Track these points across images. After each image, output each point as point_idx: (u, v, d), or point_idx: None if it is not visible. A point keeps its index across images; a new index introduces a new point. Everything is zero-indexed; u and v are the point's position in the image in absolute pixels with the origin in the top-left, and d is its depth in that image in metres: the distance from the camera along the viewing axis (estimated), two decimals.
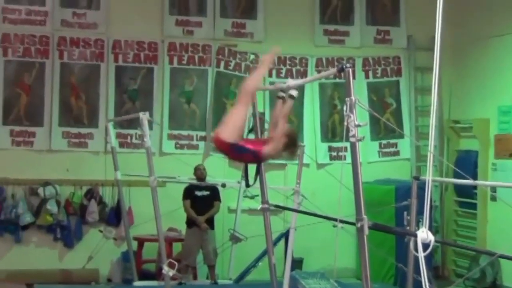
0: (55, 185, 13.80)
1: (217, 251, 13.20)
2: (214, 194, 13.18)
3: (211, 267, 13.21)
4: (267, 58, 8.12)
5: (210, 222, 13.18)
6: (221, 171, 13.87)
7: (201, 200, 13.10)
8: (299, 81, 8.65)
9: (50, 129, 14.02)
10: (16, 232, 13.76)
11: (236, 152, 7.54)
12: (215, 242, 13.23)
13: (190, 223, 13.11)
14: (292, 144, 7.55)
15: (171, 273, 10.00)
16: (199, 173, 13.24)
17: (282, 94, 7.87)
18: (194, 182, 13.11)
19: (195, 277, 13.47)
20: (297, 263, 13.44)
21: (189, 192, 13.12)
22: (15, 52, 13.90)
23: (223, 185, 12.99)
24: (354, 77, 6.46)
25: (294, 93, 7.72)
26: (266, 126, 11.95)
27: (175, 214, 12.73)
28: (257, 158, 7.66)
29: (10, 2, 13.88)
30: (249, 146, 7.49)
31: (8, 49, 13.86)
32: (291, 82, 7.96)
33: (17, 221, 13.67)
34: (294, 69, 14.88)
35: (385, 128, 14.78)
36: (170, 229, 13.33)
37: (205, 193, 13.11)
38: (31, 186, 13.82)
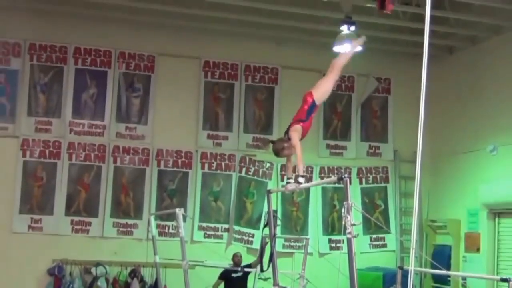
0: (105, 266, 13.68)
1: None
2: (245, 274, 12.96)
3: None
4: (357, 42, 8.88)
5: None
6: None
7: (236, 280, 12.86)
8: (307, 185, 8.67)
9: (103, 220, 13.99)
10: None
11: (309, 108, 8.10)
12: None
13: None
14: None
15: None
16: (236, 259, 13.11)
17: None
18: (229, 267, 12.92)
19: None
20: None
21: (225, 274, 12.88)
22: (78, 157, 14.00)
23: (241, 269, 12.85)
24: (350, 183, 6.47)
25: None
26: (278, 222, 11.97)
27: None
28: (304, 125, 8.11)
29: (76, 117, 14.07)
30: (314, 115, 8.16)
31: (72, 154, 13.97)
32: (302, 184, 8.02)
33: None
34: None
35: (375, 225, 14.65)
36: None
37: (239, 274, 12.92)
38: (85, 266, 13.70)
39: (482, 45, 14.10)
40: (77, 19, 13.94)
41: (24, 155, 13.78)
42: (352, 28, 12.70)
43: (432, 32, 4.75)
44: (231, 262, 13.13)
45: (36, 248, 13.54)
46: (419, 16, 12.94)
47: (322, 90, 8.22)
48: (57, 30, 14.00)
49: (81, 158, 14.01)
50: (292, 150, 8.02)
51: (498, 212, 13.32)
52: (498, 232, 13.36)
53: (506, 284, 7.33)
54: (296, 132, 8.07)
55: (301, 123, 8.10)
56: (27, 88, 13.91)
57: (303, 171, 8.03)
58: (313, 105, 8.15)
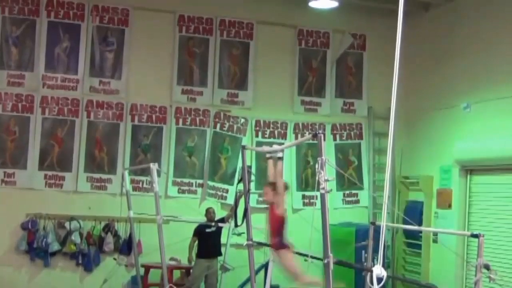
0: (79, 220, 13.70)
1: (219, 276, 13.14)
2: (219, 229, 13.08)
3: None
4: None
5: (218, 250, 13.17)
6: None
7: (210, 235, 12.99)
8: (282, 146, 8.70)
9: (77, 174, 13.95)
10: (46, 258, 13.61)
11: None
12: (218, 268, 13.13)
13: (200, 254, 13.03)
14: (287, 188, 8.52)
15: None
16: (209, 215, 13.22)
17: (269, 155, 8.03)
18: (203, 222, 13.03)
19: None
20: None
21: (199, 230, 13.01)
22: (51, 111, 13.88)
23: (215, 224, 12.93)
24: (324, 139, 6.48)
25: (281, 155, 7.96)
26: (253, 177, 12.03)
27: (176, 247, 12.61)
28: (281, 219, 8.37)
29: (49, 71, 13.92)
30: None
31: (45, 108, 13.85)
32: (276, 147, 8.08)
33: (47, 248, 13.53)
34: (276, 131, 14.95)
35: (348, 181, 14.76)
36: (172, 259, 13.19)
37: (213, 229, 13.01)
38: (59, 220, 13.70)
39: (458, 2, 14.04)
40: None
41: None
42: None
43: None
44: (205, 218, 13.22)
45: (10, 203, 13.50)
46: None
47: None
48: None
49: (54, 112, 13.89)
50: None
51: (470, 169, 13.44)
52: (470, 189, 13.49)
53: (476, 239, 7.43)
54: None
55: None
56: None
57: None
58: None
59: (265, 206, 8.68)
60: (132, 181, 13.48)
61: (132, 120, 14.31)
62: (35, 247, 13.55)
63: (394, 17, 4.85)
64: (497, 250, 11.99)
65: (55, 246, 13.61)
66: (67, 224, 13.67)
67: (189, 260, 13.12)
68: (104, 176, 14.08)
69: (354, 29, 15.57)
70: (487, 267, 6.97)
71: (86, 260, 13.82)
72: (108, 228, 13.94)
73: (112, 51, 14.32)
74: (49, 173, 13.82)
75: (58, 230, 13.73)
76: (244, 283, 12.78)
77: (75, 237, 13.64)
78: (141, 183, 13.99)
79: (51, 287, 13.45)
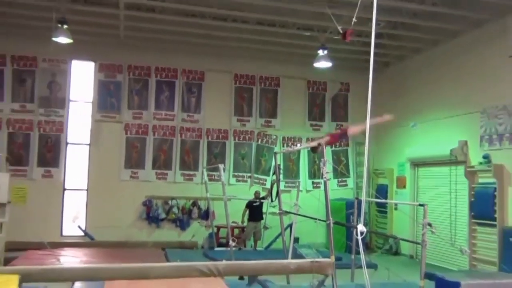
0: (176, 199, 13.82)
1: (261, 232, 13.07)
2: (261, 204, 13.05)
3: (256, 241, 13.04)
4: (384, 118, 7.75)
5: (261, 216, 13.06)
6: None
7: (256, 207, 12.97)
8: (297, 147, 8.65)
9: (175, 171, 14.04)
10: (157, 222, 13.75)
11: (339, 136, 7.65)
12: (261, 227, 13.08)
13: (250, 219, 13.00)
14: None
15: (233, 243, 9.90)
16: (257, 194, 13.24)
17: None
18: (252, 199, 13.00)
19: (245, 246, 13.29)
20: (296, 240, 13.12)
21: (249, 204, 13.00)
22: (159, 134, 14.02)
23: (258, 201, 12.90)
24: (325, 147, 6.42)
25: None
26: (281, 171, 11.95)
27: (236, 214, 12.62)
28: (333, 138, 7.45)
29: (157, 109, 14.07)
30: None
31: (155, 132, 14.00)
32: (296, 148, 7.97)
33: (158, 217, 13.69)
34: (295, 143, 14.89)
35: (340, 172, 14.66)
36: (233, 222, 13.16)
37: (257, 203, 12.99)
38: (165, 200, 13.83)
39: (407, 61, 13.94)
40: (157, 50, 13.89)
41: (126, 133, 13.84)
42: (325, 51, 12.54)
43: (374, 53, 4.72)
44: (253, 196, 13.19)
45: (135, 190, 13.67)
46: (367, 43, 12.75)
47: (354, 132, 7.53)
48: (145, 56, 13.98)
49: (160, 134, 14.03)
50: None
51: (417, 164, 13.26)
52: (417, 176, 13.30)
53: (422, 207, 7.30)
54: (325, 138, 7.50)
55: (330, 136, 7.50)
56: (126, 93, 13.93)
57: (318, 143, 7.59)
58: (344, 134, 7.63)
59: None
60: (208, 175, 13.51)
61: (207, 138, 14.36)
62: (151, 216, 13.70)
63: (367, 71, 4.81)
64: (435, 214, 11.77)
65: (163, 215, 13.74)
66: (170, 202, 13.78)
67: (242, 222, 13.08)
68: (191, 172, 14.14)
69: (342, 79, 15.45)
70: (429, 224, 6.84)
71: (181, 223, 13.91)
72: (194, 203, 14.01)
73: (194, 97, 14.42)
74: (158, 171, 13.94)
75: (164, 205, 13.85)
76: (277, 236, 12.72)
77: (175, 210, 13.76)
78: (213, 176, 13.96)
79: (161, 239, 13.52)
